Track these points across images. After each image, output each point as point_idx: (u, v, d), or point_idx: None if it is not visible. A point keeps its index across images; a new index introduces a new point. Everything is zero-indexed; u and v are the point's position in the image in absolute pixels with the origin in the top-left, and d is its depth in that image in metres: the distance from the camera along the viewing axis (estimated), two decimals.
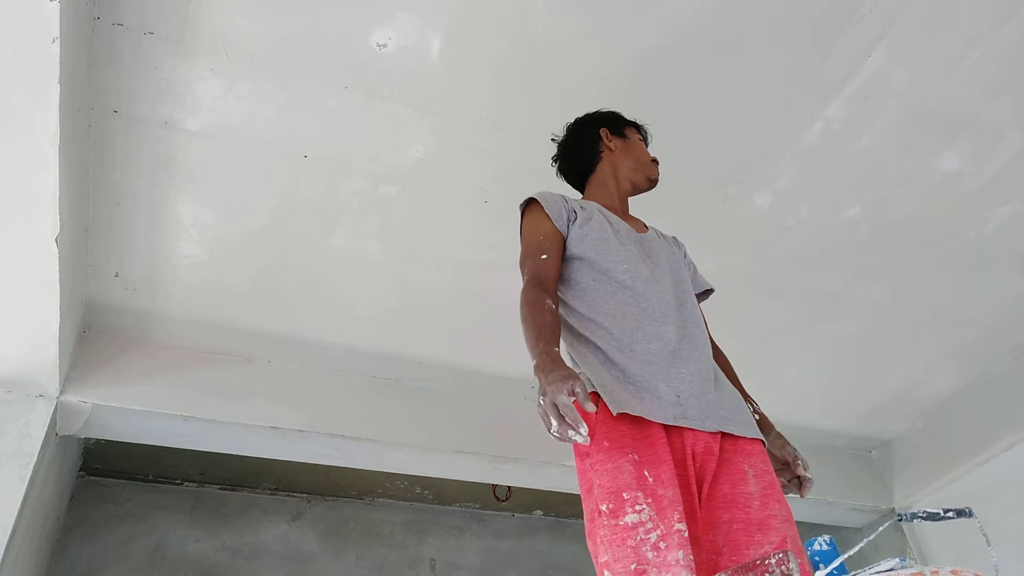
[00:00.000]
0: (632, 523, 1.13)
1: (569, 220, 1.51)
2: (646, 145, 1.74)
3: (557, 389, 1.10)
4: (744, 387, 1.51)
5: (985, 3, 1.79)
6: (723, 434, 1.28)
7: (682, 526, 1.12)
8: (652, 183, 1.68)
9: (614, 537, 1.14)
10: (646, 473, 1.18)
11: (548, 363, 1.18)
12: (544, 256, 1.46)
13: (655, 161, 1.70)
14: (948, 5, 1.79)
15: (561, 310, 1.44)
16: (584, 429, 1.08)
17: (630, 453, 1.20)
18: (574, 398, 1.09)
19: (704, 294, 1.69)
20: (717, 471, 1.24)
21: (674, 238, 1.71)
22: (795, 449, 1.41)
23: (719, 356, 1.56)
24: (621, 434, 1.23)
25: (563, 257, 1.49)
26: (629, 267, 1.42)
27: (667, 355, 1.32)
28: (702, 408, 1.28)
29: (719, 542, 1.17)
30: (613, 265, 1.43)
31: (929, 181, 2.23)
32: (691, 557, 1.09)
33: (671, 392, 1.27)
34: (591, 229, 1.49)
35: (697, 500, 1.21)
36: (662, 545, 1.10)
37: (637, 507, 1.14)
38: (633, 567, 1.10)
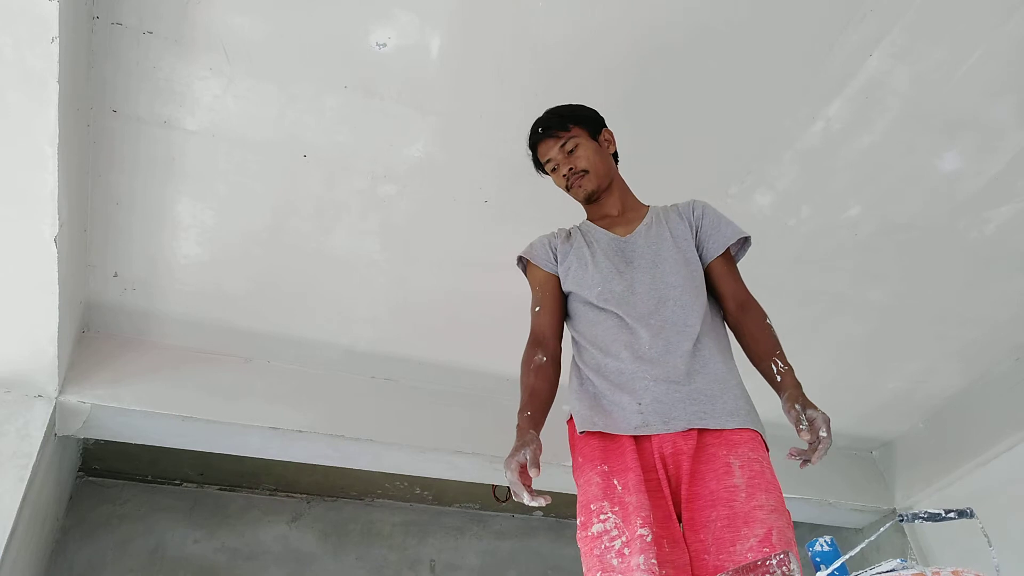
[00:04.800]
0: (597, 532, 1.20)
1: (556, 260, 1.58)
2: (543, 141, 1.61)
3: (506, 464, 1.21)
4: (774, 349, 1.35)
5: (986, 3, 1.78)
6: (702, 429, 1.27)
7: (644, 531, 1.16)
8: (581, 199, 1.62)
9: (584, 547, 1.22)
10: (615, 482, 1.24)
11: (517, 431, 1.30)
12: (537, 308, 1.55)
13: (564, 182, 1.60)
14: (949, 4, 1.78)
15: (573, 342, 1.52)
16: (526, 496, 1.18)
17: (600, 465, 1.27)
18: (524, 465, 1.20)
19: (739, 247, 1.54)
20: (699, 468, 1.24)
21: (689, 205, 1.58)
22: (802, 410, 1.20)
23: (747, 322, 1.41)
24: (592, 448, 1.31)
25: (565, 295, 1.56)
26: (603, 289, 1.47)
27: (634, 363, 1.36)
28: (665, 411, 1.29)
29: (708, 540, 1.17)
30: (588, 291, 1.49)
31: (930, 181, 2.22)
32: (653, 561, 1.13)
33: (633, 402, 1.32)
34: (571, 262, 1.55)
35: (671, 503, 1.23)
36: (626, 551, 1.15)
37: (602, 516, 1.21)
38: (598, 575, 1.16)
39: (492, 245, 2.31)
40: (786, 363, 1.33)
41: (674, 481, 1.25)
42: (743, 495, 1.18)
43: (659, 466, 1.26)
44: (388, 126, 1.96)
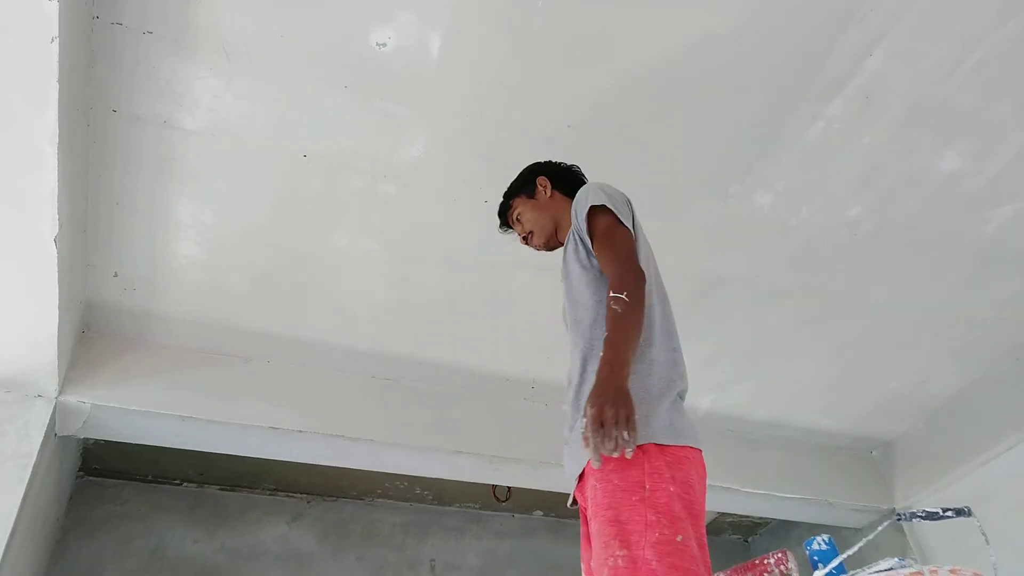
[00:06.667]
0: None
1: None
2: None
3: None
4: (605, 331, 1.22)
5: (986, 2, 1.78)
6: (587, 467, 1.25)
7: None
8: (548, 251, 1.73)
9: None
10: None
11: None
12: None
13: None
14: (949, 4, 1.78)
15: None
16: None
17: (583, 527, 1.35)
18: None
19: (611, 214, 1.41)
20: (588, 504, 1.26)
21: (577, 200, 1.49)
22: (584, 411, 1.11)
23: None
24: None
25: None
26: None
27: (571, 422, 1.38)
28: (570, 461, 1.33)
29: None
30: None
31: (930, 181, 2.22)
32: None
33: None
34: None
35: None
36: None
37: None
38: None
39: (492, 245, 2.31)
40: (606, 348, 1.17)
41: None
42: (594, 522, 1.17)
43: (585, 514, 1.29)
44: (388, 125, 1.96)
